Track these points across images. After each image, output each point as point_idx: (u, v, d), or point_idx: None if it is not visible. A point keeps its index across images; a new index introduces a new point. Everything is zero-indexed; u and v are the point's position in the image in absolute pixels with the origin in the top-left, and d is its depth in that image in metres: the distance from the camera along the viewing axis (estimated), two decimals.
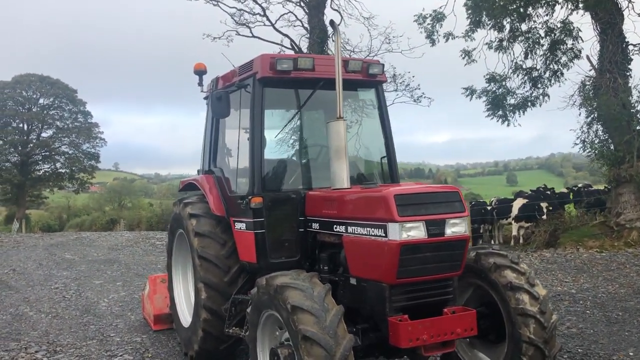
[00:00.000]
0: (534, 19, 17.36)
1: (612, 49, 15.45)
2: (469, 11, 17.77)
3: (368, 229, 4.64)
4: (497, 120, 18.10)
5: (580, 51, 17.34)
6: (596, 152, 15.89)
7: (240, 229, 5.83)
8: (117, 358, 6.82)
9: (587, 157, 17.01)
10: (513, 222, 16.89)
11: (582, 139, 16.20)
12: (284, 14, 19.46)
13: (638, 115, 15.52)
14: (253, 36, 19.74)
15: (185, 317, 6.90)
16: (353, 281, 4.91)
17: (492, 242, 17.89)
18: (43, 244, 19.54)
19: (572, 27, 16.95)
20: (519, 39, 17.72)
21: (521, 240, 16.60)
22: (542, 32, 17.58)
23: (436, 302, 4.67)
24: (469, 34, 18.08)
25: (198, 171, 7.16)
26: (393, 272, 4.41)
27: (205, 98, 7.09)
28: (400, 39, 20.70)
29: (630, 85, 15.71)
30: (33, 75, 48.94)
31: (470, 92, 18.12)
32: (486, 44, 18.00)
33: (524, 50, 17.81)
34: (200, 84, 6.93)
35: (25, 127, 48.76)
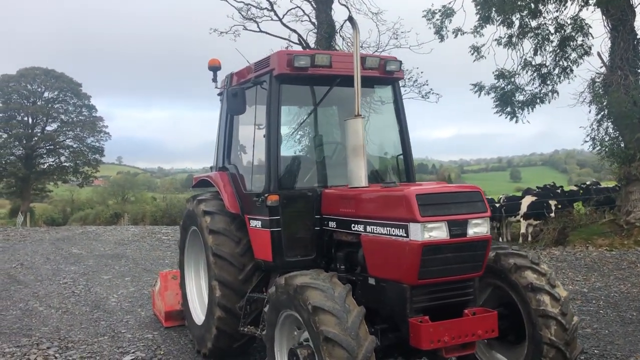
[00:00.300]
0: (543, 15, 17.24)
1: (623, 45, 15.31)
2: (478, 7, 17.65)
3: (388, 228, 4.58)
4: (506, 117, 18.00)
5: (590, 48, 17.22)
6: (606, 149, 15.78)
7: (256, 226, 5.78)
8: (129, 355, 6.79)
9: (597, 154, 16.91)
10: (522, 219, 16.82)
11: (592, 136, 16.11)
12: (291, 9, 19.41)
13: None
14: (260, 31, 19.66)
15: (198, 314, 6.87)
16: (372, 281, 4.86)
17: (500, 239, 17.83)
18: (49, 238, 19.52)
19: (583, 24, 16.80)
20: (529, 35, 17.59)
21: (529, 238, 16.53)
22: (551, 29, 17.46)
23: (457, 303, 4.62)
24: (478, 29, 17.97)
25: (211, 168, 7.11)
26: (414, 272, 4.35)
27: (219, 94, 7.02)
28: (408, 35, 20.63)
29: None
30: (38, 69, 48.98)
31: (479, 88, 18.01)
32: (495, 40, 17.91)
33: (534, 46, 17.69)
34: (215, 80, 6.86)
35: (30, 120, 48.83)
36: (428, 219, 4.30)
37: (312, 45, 19.19)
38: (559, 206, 16.13)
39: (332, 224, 5.43)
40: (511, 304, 5.08)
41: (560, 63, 17.60)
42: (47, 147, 49.48)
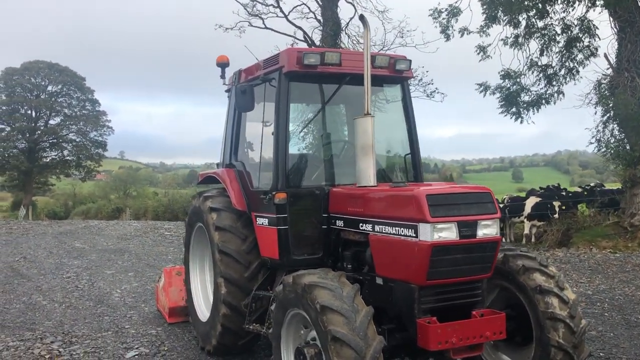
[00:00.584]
0: (550, 15, 17.18)
1: (630, 47, 15.26)
2: (485, 6, 17.60)
3: (397, 228, 4.55)
4: (511, 117, 17.98)
5: (597, 49, 17.19)
6: (612, 151, 15.74)
7: (263, 224, 5.76)
8: (133, 350, 6.78)
9: (602, 156, 16.86)
10: (525, 220, 16.78)
11: (598, 138, 16.06)
12: (297, 6, 19.38)
13: None
14: (266, 27, 19.63)
15: (203, 311, 6.85)
16: (379, 281, 4.84)
17: (503, 240, 17.78)
18: (52, 231, 19.55)
19: (590, 25, 16.73)
20: (535, 35, 17.55)
21: (533, 239, 16.50)
22: (558, 29, 17.41)
23: (465, 304, 4.60)
24: (484, 29, 17.93)
25: (218, 164, 7.09)
26: (423, 273, 4.33)
27: (227, 91, 7.00)
28: (414, 33, 20.55)
29: None
30: (42, 62, 48.95)
31: (484, 88, 17.97)
32: (501, 39, 17.86)
33: (540, 46, 17.67)
34: (223, 76, 6.83)
35: (34, 114, 48.84)
36: (438, 220, 4.28)
37: (317, 42, 19.15)
38: (563, 207, 16.09)
39: (340, 223, 5.41)
40: (518, 305, 5.05)
41: (567, 64, 17.58)
42: (50, 141, 49.49)
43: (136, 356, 6.59)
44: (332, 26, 18.71)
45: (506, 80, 17.88)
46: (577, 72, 17.51)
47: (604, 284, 10.50)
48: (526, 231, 16.86)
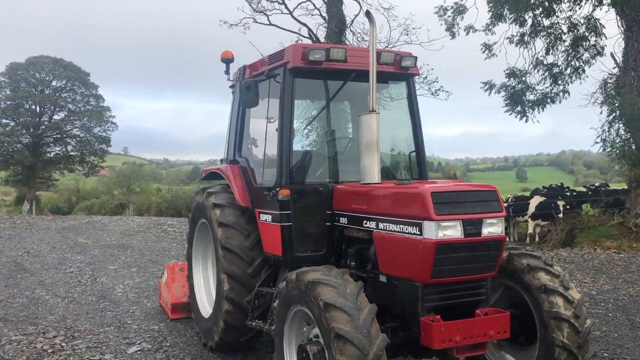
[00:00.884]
0: (557, 14, 17.08)
1: (637, 46, 15.16)
2: (491, 4, 17.52)
3: (401, 226, 4.52)
4: (516, 116, 17.90)
5: (603, 48, 17.07)
6: (617, 151, 15.65)
7: (266, 220, 5.74)
8: (135, 346, 6.78)
9: (607, 156, 16.78)
10: (529, 219, 16.71)
11: (603, 137, 15.98)
12: (302, 2, 19.35)
13: None
14: (270, 24, 19.61)
15: (205, 307, 6.84)
16: (383, 278, 4.81)
17: (507, 239, 17.73)
18: (55, 226, 19.57)
19: (596, 24, 16.63)
20: (541, 34, 17.45)
21: (537, 239, 16.43)
22: (564, 28, 17.31)
23: (469, 302, 4.57)
24: (490, 27, 17.84)
25: (221, 160, 7.07)
26: (427, 271, 4.30)
27: (232, 87, 6.97)
28: (419, 31, 20.48)
29: None
30: (46, 57, 49.05)
31: (490, 87, 17.89)
32: (507, 38, 17.77)
33: (546, 45, 17.57)
34: (227, 72, 6.81)
35: (38, 109, 48.96)
36: (443, 218, 4.24)
37: (322, 39, 19.11)
38: (567, 207, 16.02)
39: (343, 220, 5.38)
40: (523, 304, 5.01)
41: (572, 63, 17.47)
42: (54, 136, 49.62)
43: (138, 351, 6.59)
44: (336, 23, 18.66)
45: (511, 79, 17.79)
46: (583, 71, 17.42)
47: (608, 284, 10.45)
48: (530, 230, 16.80)
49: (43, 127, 48.52)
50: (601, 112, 16.43)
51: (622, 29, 15.95)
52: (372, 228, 4.91)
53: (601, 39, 17.08)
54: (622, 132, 16.00)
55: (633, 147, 15.54)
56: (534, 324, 4.87)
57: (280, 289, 4.71)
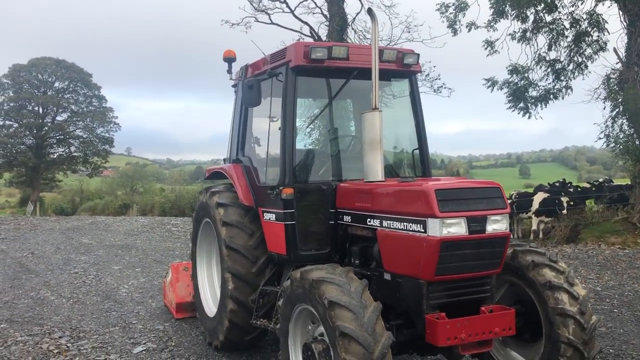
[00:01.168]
0: (559, 9, 17.03)
1: None
2: (492, 1, 17.46)
3: (405, 223, 4.52)
4: (519, 113, 17.85)
5: (606, 43, 17.01)
6: (621, 147, 15.59)
7: (270, 219, 5.74)
8: (141, 346, 6.79)
9: (611, 152, 16.72)
10: (533, 216, 16.67)
11: (607, 133, 15.92)
12: (303, 1, 19.34)
13: None
14: (272, 23, 19.59)
15: (210, 306, 6.85)
16: (387, 276, 4.81)
17: (511, 236, 17.69)
18: (59, 227, 19.62)
19: (599, 19, 16.57)
20: (543, 30, 17.40)
21: (541, 235, 16.40)
22: (566, 24, 17.25)
23: (474, 300, 4.57)
24: (492, 24, 17.80)
25: (224, 160, 7.07)
26: (432, 268, 4.30)
27: (234, 86, 6.97)
28: (421, 28, 20.44)
29: None
30: (49, 59, 49.15)
31: (492, 83, 17.85)
32: (509, 34, 17.73)
33: (548, 41, 17.51)
34: (229, 71, 6.81)
35: (41, 110, 49.09)
36: (447, 215, 4.24)
37: (323, 38, 19.10)
38: (572, 203, 15.97)
39: (347, 218, 5.38)
40: (527, 301, 5.00)
41: (575, 59, 17.42)
42: (57, 137, 49.75)
43: (144, 351, 6.60)
44: (338, 21, 18.64)
45: (514, 76, 17.75)
46: (586, 66, 17.38)
47: (613, 280, 10.42)
48: (534, 227, 16.76)
49: (46, 128, 48.66)
50: (604, 108, 16.41)
51: (624, 24, 15.89)
52: (376, 226, 4.91)
53: (604, 35, 17.04)
54: (625, 127, 15.95)
55: (637, 143, 15.49)
56: (539, 321, 4.85)
57: (285, 288, 4.71)
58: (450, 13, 18.09)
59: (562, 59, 17.59)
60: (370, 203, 5.02)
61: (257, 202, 6.02)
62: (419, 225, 4.36)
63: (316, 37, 19.24)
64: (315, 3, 19.44)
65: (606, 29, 16.82)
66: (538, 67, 17.70)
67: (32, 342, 6.81)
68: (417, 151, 6.16)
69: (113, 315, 8.21)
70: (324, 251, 5.57)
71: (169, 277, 8.21)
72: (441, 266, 4.29)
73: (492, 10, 17.52)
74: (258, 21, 19.57)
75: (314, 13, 19.61)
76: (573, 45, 17.33)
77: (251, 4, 19.37)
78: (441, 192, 4.31)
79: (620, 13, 15.90)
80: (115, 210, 39.60)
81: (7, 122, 47.73)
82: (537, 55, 17.63)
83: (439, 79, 18.83)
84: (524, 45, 17.66)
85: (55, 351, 6.53)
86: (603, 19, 16.77)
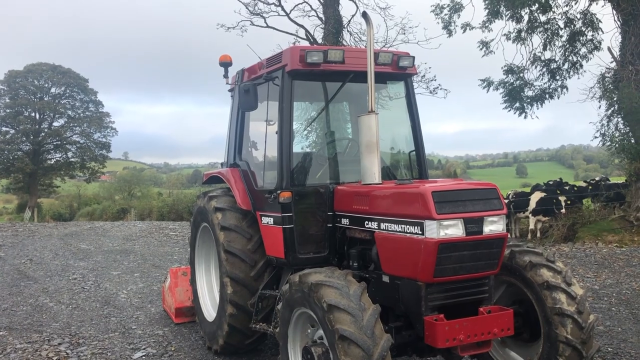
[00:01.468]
0: (553, 9, 17.11)
1: (634, 40, 15.16)
2: (487, 1, 17.53)
3: (403, 225, 4.54)
4: (515, 113, 17.92)
5: (600, 43, 17.11)
6: (616, 145, 15.66)
7: (268, 223, 5.76)
8: (140, 351, 6.79)
9: (607, 150, 16.79)
10: (530, 215, 16.72)
11: (602, 132, 15.99)
12: (298, 4, 19.36)
13: None
14: (267, 26, 19.62)
15: (209, 311, 6.86)
16: (385, 279, 4.83)
17: (509, 236, 17.75)
18: (57, 233, 19.58)
19: (593, 18, 16.66)
20: (538, 30, 17.47)
21: (538, 234, 16.45)
22: (561, 23, 17.34)
23: (472, 301, 4.59)
24: (487, 24, 17.87)
25: (222, 164, 7.09)
26: (430, 270, 4.32)
27: (230, 90, 6.99)
28: (416, 30, 20.47)
29: None
30: (45, 65, 49.03)
31: (488, 83, 17.91)
32: (504, 35, 17.80)
33: (543, 41, 17.59)
34: (226, 76, 6.83)
35: (37, 116, 48.96)
36: (444, 217, 4.26)
37: (319, 40, 19.13)
38: (569, 202, 16.03)
39: (345, 221, 5.40)
40: (525, 301, 5.03)
41: (570, 58, 17.51)
42: (54, 143, 49.61)
43: (143, 357, 6.60)
44: (333, 24, 18.67)
45: (509, 76, 17.85)
46: (581, 66, 17.48)
47: (611, 278, 10.46)
48: (531, 226, 16.82)
49: (43, 134, 48.53)
50: (600, 107, 16.51)
51: (618, 23, 15.97)
52: (374, 228, 4.93)
53: (598, 34, 17.16)
54: (621, 126, 16.04)
55: (632, 141, 15.56)
56: (538, 321, 4.88)
57: (284, 292, 4.72)
58: (445, 14, 18.17)
59: (557, 59, 17.71)
60: (367, 206, 5.04)
61: (255, 206, 6.04)
62: (416, 227, 4.38)
63: (312, 40, 19.27)
64: (310, 6, 19.49)
65: (600, 28, 16.94)
66: (533, 67, 17.84)
67: (32, 350, 6.80)
68: (413, 153, 6.19)
69: (112, 321, 8.20)
70: (322, 254, 5.59)
71: (168, 282, 8.21)
72: (439, 268, 4.31)
73: (487, 10, 17.59)
74: (254, 25, 19.61)
75: (309, 16, 19.66)
76: (568, 45, 17.42)
77: (247, 8, 19.41)
78: (438, 194, 4.33)
79: (614, 12, 15.99)
80: (113, 215, 39.54)
81: (4, 129, 47.59)
82: (532, 55, 17.75)
83: (435, 80, 18.88)
84: (519, 46, 17.79)
85: (55, 358, 6.52)
86: (597, 19, 16.89)
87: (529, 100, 17.83)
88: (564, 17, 17.25)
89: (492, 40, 18.05)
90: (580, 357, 4.70)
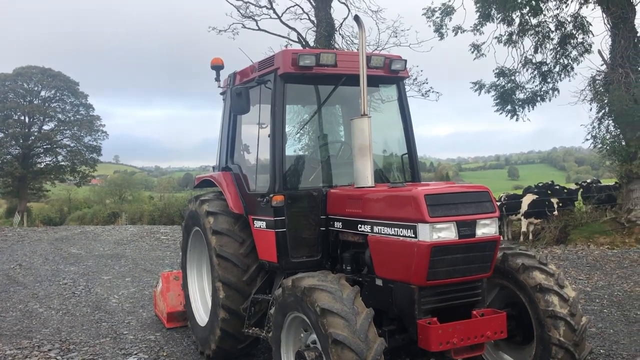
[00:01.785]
0: (544, 12, 17.21)
1: (624, 43, 15.28)
2: (478, 4, 17.61)
3: (396, 229, 4.53)
4: (506, 115, 18.00)
5: (590, 45, 17.24)
6: (607, 147, 15.76)
7: (260, 227, 5.72)
8: (132, 357, 6.73)
9: (598, 152, 16.90)
10: (522, 218, 16.79)
11: (593, 134, 16.09)
12: (290, 7, 19.33)
13: None
14: (259, 29, 19.58)
15: (201, 315, 6.81)
16: (379, 282, 4.81)
17: (501, 238, 17.81)
18: (47, 238, 19.43)
19: (583, 21, 16.78)
20: (529, 32, 17.58)
21: (530, 237, 16.51)
22: (552, 26, 17.45)
23: (465, 304, 4.58)
24: (478, 27, 17.94)
25: (214, 167, 7.05)
26: (423, 273, 4.30)
27: (222, 93, 6.96)
28: (408, 33, 20.54)
29: None
30: (34, 68, 48.65)
31: (479, 86, 17.98)
32: (495, 37, 17.89)
33: (534, 44, 17.69)
34: (218, 79, 6.80)
35: (27, 119, 48.54)
36: (437, 220, 4.25)
37: (311, 43, 19.13)
38: (560, 204, 16.12)
39: (338, 225, 5.38)
40: (518, 304, 5.04)
41: (561, 61, 17.61)
42: (44, 147, 49.20)
43: None
44: (325, 27, 18.69)
45: (501, 78, 17.92)
46: (572, 68, 17.59)
47: (603, 280, 10.50)
48: (523, 229, 16.88)
49: (33, 137, 48.11)
50: (591, 109, 16.61)
51: (608, 26, 16.09)
52: (367, 232, 4.91)
53: (588, 37, 17.29)
54: (611, 128, 16.15)
55: (623, 143, 15.66)
56: (531, 323, 4.89)
57: (277, 296, 4.69)
58: (437, 17, 18.21)
59: (548, 61, 17.80)
60: (360, 209, 5.02)
61: (247, 210, 6.00)
62: (409, 230, 4.37)
63: (304, 43, 19.27)
64: (302, 9, 19.48)
65: (590, 31, 17.09)
66: (525, 69, 17.91)
67: (21, 356, 6.72)
68: (406, 156, 6.19)
69: (103, 326, 8.12)
70: (315, 258, 5.56)
71: (160, 287, 8.15)
72: (432, 271, 4.30)
73: (478, 14, 17.67)
74: (245, 27, 19.57)
75: (301, 19, 19.65)
76: (559, 48, 17.53)
77: (238, 11, 19.37)
78: (431, 197, 4.33)
79: (604, 15, 16.11)
80: (104, 219, 39.30)
81: None
82: (523, 58, 17.83)
83: (427, 83, 18.92)
84: (511, 48, 17.87)
85: None
86: (587, 22, 17.02)
87: (520, 102, 17.92)
88: (554, 20, 17.37)
89: (484, 43, 18.16)
90: (573, 359, 4.70)
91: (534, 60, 17.78)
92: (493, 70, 17.98)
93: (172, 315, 7.83)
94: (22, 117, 48.47)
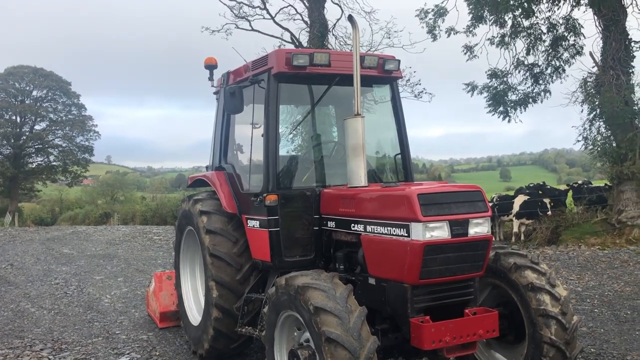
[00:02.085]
0: (536, 14, 17.31)
1: (615, 45, 15.38)
2: (471, 6, 17.69)
3: (389, 228, 4.55)
4: (498, 117, 18.06)
5: (582, 47, 17.33)
6: (598, 149, 15.87)
7: (254, 226, 5.73)
8: (125, 356, 6.72)
9: (589, 154, 17.01)
10: (514, 218, 16.88)
11: (585, 135, 16.19)
12: (283, 7, 19.38)
13: None
14: (252, 29, 19.59)
15: (194, 315, 6.80)
16: (372, 281, 4.83)
17: (493, 239, 17.90)
18: (39, 238, 19.34)
19: (575, 24, 16.90)
20: (521, 34, 17.66)
21: (522, 237, 16.60)
22: (544, 28, 17.55)
23: (458, 302, 4.61)
24: (471, 29, 18.01)
25: (207, 167, 7.05)
26: (415, 272, 4.33)
27: (216, 93, 6.96)
28: (401, 34, 20.57)
29: (633, 82, 15.63)
30: (26, 67, 48.38)
31: (472, 88, 18.06)
32: (488, 39, 17.96)
33: (526, 46, 17.76)
34: (211, 78, 6.79)
35: (18, 119, 48.27)
36: (429, 219, 4.28)
37: (304, 44, 19.15)
38: (552, 204, 16.22)
39: (331, 224, 5.40)
40: (510, 303, 5.07)
41: (553, 63, 17.70)
42: (36, 147, 48.94)
43: None
44: (319, 28, 18.71)
45: (493, 80, 17.97)
46: (563, 70, 17.67)
47: (594, 280, 10.59)
48: (515, 229, 16.97)
49: (24, 137, 47.83)
50: (582, 111, 16.68)
51: (599, 28, 16.18)
52: (360, 231, 4.93)
53: (580, 39, 17.36)
54: (602, 130, 16.23)
55: (614, 145, 15.77)
56: (522, 322, 4.92)
57: (270, 295, 4.71)
58: (430, 19, 18.26)
59: (540, 63, 17.88)
60: (354, 208, 5.04)
61: (241, 209, 6.01)
62: (402, 229, 4.40)
63: (297, 44, 19.29)
64: (295, 9, 19.51)
65: (582, 33, 17.17)
66: (517, 71, 17.97)
67: (13, 356, 6.69)
68: (399, 156, 6.21)
69: (96, 326, 8.10)
70: (308, 257, 5.57)
71: (152, 286, 8.13)
72: (425, 270, 4.33)
73: (471, 15, 17.74)
74: (239, 28, 19.58)
75: (294, 19, 19.68)
76: (550, 50, 17.62)
77: (231, 11, 19.38)
78: (423, 196, 4.35)
79: (595, 18, 16.20)
80: (96, 220, 39.13)
81: None
82: (515, 60, 17.90)
83: (420, 84, 19.00)
84: (503, 50, 17.92)
85: None
86: (579, 24, 17.10)
87: (512, 104, 17.98)
88: (546, 22, 17.46)
89: (476, 44, 18.22)
90: (564, 358, 4.74)
91: (526, 62, 17.86)
92: (485, 72, 18.07)
93: (164, 314, 7.82)
94: (14, 117, 48.20)
